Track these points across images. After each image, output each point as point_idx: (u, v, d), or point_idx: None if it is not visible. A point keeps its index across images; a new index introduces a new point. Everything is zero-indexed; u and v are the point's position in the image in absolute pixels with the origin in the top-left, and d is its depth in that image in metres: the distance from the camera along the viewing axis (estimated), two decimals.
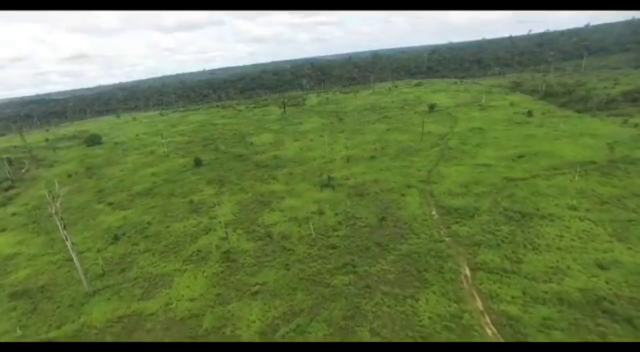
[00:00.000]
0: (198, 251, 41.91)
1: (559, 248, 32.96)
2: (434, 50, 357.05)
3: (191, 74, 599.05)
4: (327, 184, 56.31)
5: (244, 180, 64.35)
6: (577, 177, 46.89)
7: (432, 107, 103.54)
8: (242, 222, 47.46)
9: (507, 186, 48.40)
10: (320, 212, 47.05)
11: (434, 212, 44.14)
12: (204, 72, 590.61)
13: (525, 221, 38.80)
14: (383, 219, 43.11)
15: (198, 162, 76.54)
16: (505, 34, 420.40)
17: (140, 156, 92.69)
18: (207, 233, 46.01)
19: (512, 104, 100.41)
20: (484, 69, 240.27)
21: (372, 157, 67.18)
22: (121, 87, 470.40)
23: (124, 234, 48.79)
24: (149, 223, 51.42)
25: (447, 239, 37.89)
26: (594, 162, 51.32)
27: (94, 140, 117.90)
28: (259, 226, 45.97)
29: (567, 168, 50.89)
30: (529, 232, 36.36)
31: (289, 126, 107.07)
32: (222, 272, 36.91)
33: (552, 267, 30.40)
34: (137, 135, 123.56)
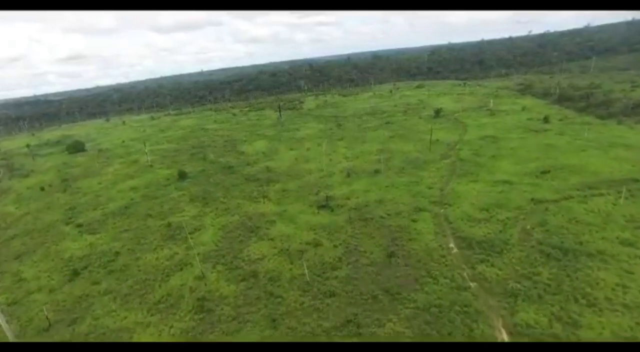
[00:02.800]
0: (168, 294, 34.55)
1: (625, 305, 25.63)
2: (434, 50, 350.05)
3: (189, 75, 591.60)
4: (325, 205, 48.99)
5: (231, 197, 56.98)
6: (621, 200, 39.67)
7: (437, 112, 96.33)
8: (224, 255, 40.06)
9: (535, 210, 41.15)
10: (317, 244, 39.67)
11: (452, 245, 36.85)
12: (202, 73, 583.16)
13: (568, 260, 31.52)
14: (392, 254, 35.81)
15: (182, 175, 69.17)
16: (504, 35, 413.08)
17: (123, 166, 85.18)
18: (181, 269, 38.63)
19: (524, 109, 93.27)
20: (486, 70, 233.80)
21: (376, 171, 59.85)
22: (118, 88, 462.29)
23: (85, 268, 41.37)
24: (117, 253, 43.99)
25: (472, 284, 30.60)
26: (636, 180, 44.08)
27: (76, 147, 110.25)
28: (243, 260, 38.58)
29: (604, 187, 43.67)
30: (577, 278, 29.06)
31: (285, 132, 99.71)
32: (193, 328, 29.52)
33: (626, 339, 23.09)
34: (123, 141, 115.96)
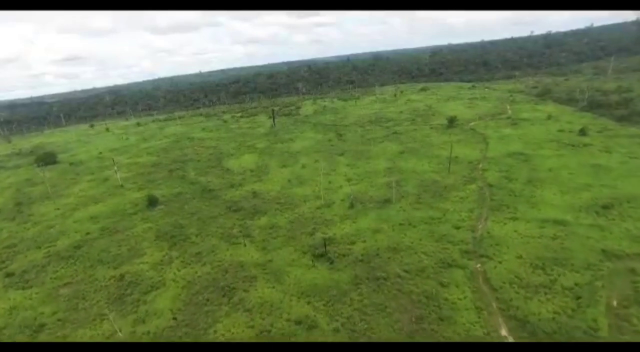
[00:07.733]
0: None
1: None
2: (435, 51, 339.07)
3: (187, 76, 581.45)
4: (323, 254, 37.52)
5: (206, 235, 45.54)
6: None
7: (451, 121, 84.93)
8: (182, 337, 28.59)
9: (615, 272, 29.76)
10: (310, 324, 28.15)
11: (504, 333, 25.42)
12: (200, 74, 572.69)
13: None
14: None
15: (153, 201, 57.67)
16: (503, 36, 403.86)
17: (90, 185, 73.72)
18: None
19: (550, 117, 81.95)
20: (491, 71, 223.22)
21: (386, 201, 48.45)
22: (114, 90, 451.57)
23: None
24: (41, 326, 32.51)
25: None
26: None
27: (47, 159, 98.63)
28: None
29: None
30: None
31: (278, 144, 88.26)
32: None
33: None
34: (100, 152, 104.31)
